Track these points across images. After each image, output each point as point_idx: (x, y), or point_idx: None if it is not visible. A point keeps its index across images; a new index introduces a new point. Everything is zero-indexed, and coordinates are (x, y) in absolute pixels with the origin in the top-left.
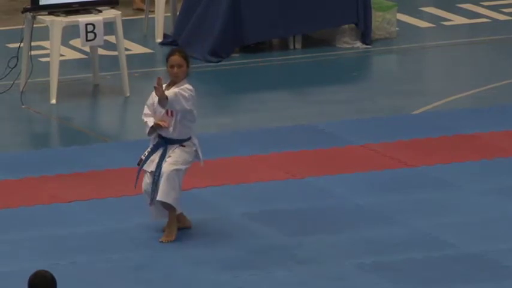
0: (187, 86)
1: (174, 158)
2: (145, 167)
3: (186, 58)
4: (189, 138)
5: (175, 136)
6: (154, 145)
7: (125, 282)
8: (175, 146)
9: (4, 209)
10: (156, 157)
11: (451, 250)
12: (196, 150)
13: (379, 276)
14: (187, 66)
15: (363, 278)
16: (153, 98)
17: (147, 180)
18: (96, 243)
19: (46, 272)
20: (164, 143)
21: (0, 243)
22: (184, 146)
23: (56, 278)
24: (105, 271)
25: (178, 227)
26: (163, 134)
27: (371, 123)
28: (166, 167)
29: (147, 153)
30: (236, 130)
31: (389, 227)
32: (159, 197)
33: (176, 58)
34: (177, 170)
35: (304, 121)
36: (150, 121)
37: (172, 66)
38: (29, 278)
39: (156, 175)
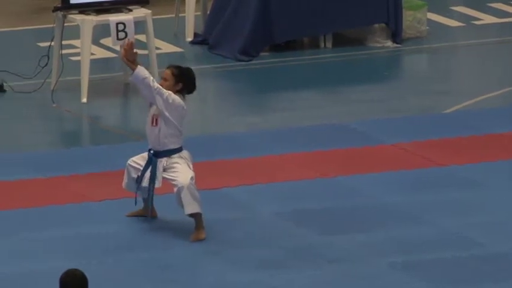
0: (176, 96)
1: (184, 167)
2: (142, 184)
3: (175, 75)
4: (179, 150)
5: (160, 147)
6: (146, 162)
7: (154, 282)
8: (164, 158)
9: (34, 207)
10: (148, 172)
11: (479, 249)
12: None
13: (409, 275)
14: (176, 83)
15: (394, 277)
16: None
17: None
18: (125, 243)
19: (77, 270)
20: (152, 156)
21: (30, 242)
22: (177, 156)
23: (86, 276)
24: (134, 270)
25: (144, 214)
26: (150, 145)
27: (401, 123)
28: (183, 179)
29: (141, 168)
30: (266, 129)
31: (419, 226)
32: (188, 211)
33: (166, 72)
34: (191, 177)
35: (334, 120)
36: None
37: (161, 78)
38: (60, 277)
39: (151, 189)
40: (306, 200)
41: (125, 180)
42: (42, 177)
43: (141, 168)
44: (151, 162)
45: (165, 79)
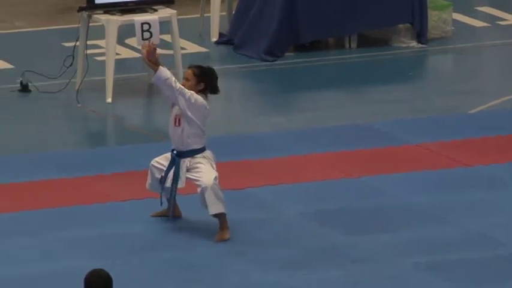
0: (198, 96)
1: (207, 167)
2: (166, 184)
3: (196, 75)
4: (202, 150)
5: (184, 147)
6: (169, 163)
7: (178, 282)
8: (187, 158)
9: (59, 207)
10: (171, 173)
11: (504, 250)
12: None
13: (433, 275)
14: (198, 83)
15: (418, 278)
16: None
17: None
18: (150, 243)
19: (102, 270)
20: (176, 156)
21: (56, 241)
22: (200, 156)
23: (111, 276)
24: (159, 270)
25: (175, 215)
26: (173, 146)
27: (426, 123)
28: (207, 179)
29: (164, 169)
30: (291, 129)
31: (443, 226)
32: (212, 212)
33: (188, 72)
34: (215, 177)
35: (359, 120)
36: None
37: (183, 78)
38: (85, 277)
39: (174, 190)
40: (330, 200)
41: (149, 180)
42: (67, 177)
43: (165, 169)
44: (175, 162)
45: (187, 79)
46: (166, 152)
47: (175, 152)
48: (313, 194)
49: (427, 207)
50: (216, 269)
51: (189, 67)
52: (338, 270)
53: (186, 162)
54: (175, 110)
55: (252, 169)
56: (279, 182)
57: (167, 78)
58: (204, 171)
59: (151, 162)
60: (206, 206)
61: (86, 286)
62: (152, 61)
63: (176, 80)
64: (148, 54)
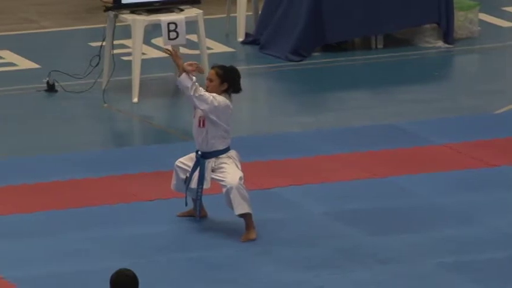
0: (221, 97)
1: (232, 167)
2: (191, 185)
3: (219, 75)
4: (227, 150)
5: (208, 148)
6: (194, 164)
7: (205, 282)
8: (212, 159)
9: (85, 207)
10: (196, 174)
11: None
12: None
13: (460, 275)
14: (221, 83)
15: (444, 278)
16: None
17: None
18: (176, 242)
19: (128, 270)
20: (200, 157)
21: (82, 241)
22: (225, 156)
23: (137, 276)
24: (185, 270)
25: (201, 215)
26: (197, 147)
27: (452, 123)
28: (232, 179)
29: (189, 169)
30: (318, 129)
31: (469, 226)
32: (237, 212)
33: (211, 72)
34: (240, 177)
35: (385, 120)
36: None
37: (207, 79)
38: (111, 276)
39: (199, 190)
40: (357, 200)
41: (174, 181)
42: (93, 177)
43: (189, 169)
44: (200, 163)
45: (210, 80)
46: (192, 152)
47: (199, 153)
48: (340, 194)
49: (453, 207)
50: (243, 269)
51: (212, 67)
52: (364, 270)
53: (211, 163)
54: (199, 112)
55: (279, 169)
56: (305, 182)
57: (188, 87)
58: (229, 171)
59: (176, 163)
60: (231, 206)
61: (112, 286)
62: (178, 63)
63: (198, 87)
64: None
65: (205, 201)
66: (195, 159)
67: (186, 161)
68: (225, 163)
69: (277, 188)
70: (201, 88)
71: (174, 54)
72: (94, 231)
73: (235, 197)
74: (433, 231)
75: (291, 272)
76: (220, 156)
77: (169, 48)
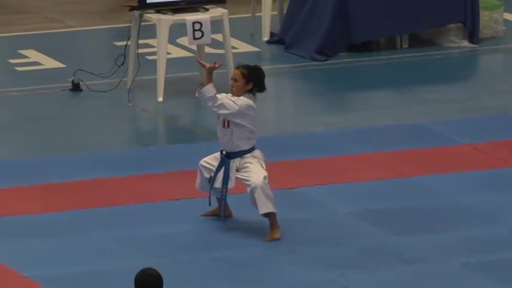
0: (243, 98)
1: (257, 167)
2: (215, 184)
3: (244, 75)
4: (251, 150)
5: (233, 149)
6: (219, 163)
7: (229, 281)
8: (237, 159)
9: (110, 206)
10: (221, 173)
11: None
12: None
13: (485, 275)
14: (246, 83)
15: (469, 278)
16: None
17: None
18: (201, 241)
19: (153, 269)
20: (225, 157)
21: (106, 240)
22: (250, 155)
23: (162, 275)
24: (209, 269)
25: (225, 215)
26: (221, 147)
27: (477, 123)
28: (256, 179)
29: (213, 169)
30: (342, 129)
31: (494, 226)
32: (262, 211)
33: (236, 72)
34: (265, 177)
35: (410, 120)
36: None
37: (231, 79)
38: (136, 276)
39: (224, 190)
40: (381, 200)
41: (198, 180)
42: (118, 177)
43: (213, 169)
44: (224, 163)
45: (235, 80)
46: (216, 151)
47: (224, 153)
48: (364, 194)
49: (478, 207)
50: (267, 268)
51: (237, 67)
52: (389, 270)
53: (235, 163)
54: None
55: (303, 168)
56: (330, 182)
57: (210, 97)
58: (253, 170)
59: (200, 162)
60: (256, 206)
61: (137, 285)
62: (208, 71)
63: (216, 96)
64: (210, 68)
65: (230, 201)
66: (219, 158)
67: (211, 160)
68: (250, 162)
69: (301, 187)
70: (219, 95)
71: (208, 71)
72: (118, 230)
73: (259, 197)
74: (458, 231)
75: (316, 271)
76: (245, 155)
77: (204, 63)
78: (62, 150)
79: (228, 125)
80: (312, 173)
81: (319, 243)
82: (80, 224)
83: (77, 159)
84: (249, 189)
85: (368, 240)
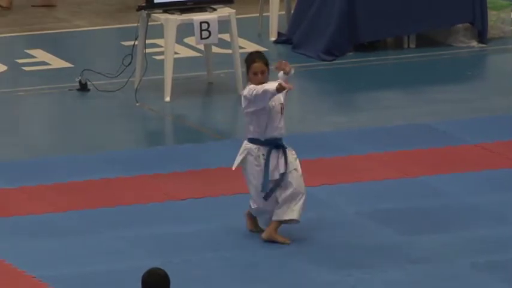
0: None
1: (299, 168)
2: (274, 176)
3: (267, 64)
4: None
5: (282, 135)
6: (266, 154)
7: (238, 281)
8: (281, 149)
9: (118, 206)
10: (277, 160)
11: None
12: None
13: (493, 275)
14: (268, 71)
15: (476, 278)
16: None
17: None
18: (209, 241)
19: (160, 269)
20: (274, 146)
21: (114, 240)
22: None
23: (169, 275)
24: (218, 269)
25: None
26: (272, 134)
27: (485, 123)
28: (298, 180)
29: (263, 161)
30: (350, 129)
31: (502, 226)
32: (295, 217)
33: (260, 65)
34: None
35: (418, 120)
36: (270, 85)
37: (256, 73)
38: (143, 276)
39: (286, 177)
40: (389, 200)
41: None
42: (125, 176)
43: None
44: (283, 148)
45: (262, 72)
46: (225, 151)
47: (271, 144)
48: (372, 194)
49: (486, 207)
50: (276, 268)
51: (257, 61)
52: (397, 270)
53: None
54: (278, 100)
55: (311, 168)
56: (338, 181)
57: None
58: (299, 177)
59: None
60: (292, 208)
61: (144, 285)
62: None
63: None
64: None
65: (236, 202)
66: (258, 163)
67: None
68: (296, 169)
69: (309, 187)
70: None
71: (287, 88)
72: (126, 230)
73: (303, 204)
74: (466, 231)
75: (323, 271)
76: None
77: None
78: (69, 149)
79: (282, 112)
80: (320, 172)
81: (327, 242)
82: (87, 224)
83: (84, 159)
84: (291, 190)
85: (376, 240)
